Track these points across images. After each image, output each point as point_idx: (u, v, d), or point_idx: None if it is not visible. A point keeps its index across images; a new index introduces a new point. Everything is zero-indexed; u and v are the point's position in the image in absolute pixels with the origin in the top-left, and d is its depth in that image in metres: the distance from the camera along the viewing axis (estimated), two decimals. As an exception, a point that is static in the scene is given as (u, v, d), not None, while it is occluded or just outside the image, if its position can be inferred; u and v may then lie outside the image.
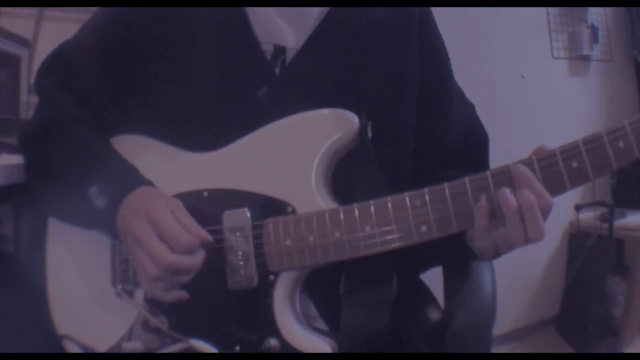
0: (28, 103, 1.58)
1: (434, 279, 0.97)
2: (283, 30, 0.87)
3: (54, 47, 0.94)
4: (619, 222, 2.21)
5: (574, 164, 0.72)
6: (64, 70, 0.90)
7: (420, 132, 0.90)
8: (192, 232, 0.75)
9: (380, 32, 0.89)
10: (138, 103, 0.87)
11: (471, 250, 0.79)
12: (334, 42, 0.87)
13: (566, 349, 2.35)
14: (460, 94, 0.98)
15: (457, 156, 0.94)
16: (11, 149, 1.20)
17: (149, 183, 0.82)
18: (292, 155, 0.81)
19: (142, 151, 0.86)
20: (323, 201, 0.79)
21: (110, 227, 0.80)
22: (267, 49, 0.86)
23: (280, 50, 0.87)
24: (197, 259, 0.75)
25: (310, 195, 0.79)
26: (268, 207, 0.79)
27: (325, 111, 0.81)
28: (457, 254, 0.83)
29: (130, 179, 0.81)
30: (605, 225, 2.11)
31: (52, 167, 0.85)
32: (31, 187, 0.90)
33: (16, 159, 1.01)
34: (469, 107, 0.98)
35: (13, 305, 0.89)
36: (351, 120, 0.80)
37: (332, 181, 0.82)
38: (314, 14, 0.88)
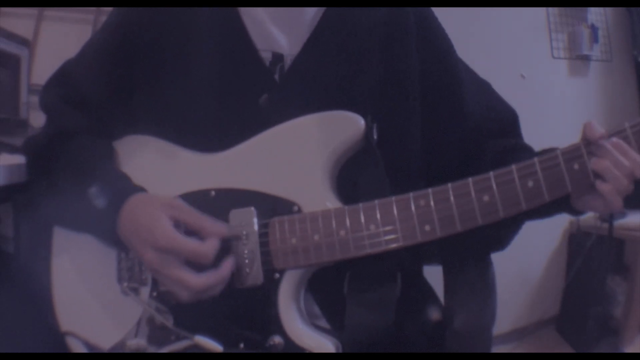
0: (28, 103, 1.57)
1: (434, 278, 0.97)
2: (279, 38, 0.87)
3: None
4: (619, 222, 2.20)
5: (575, 166, 0.74)
6: (66, 83, 0.91)
7: (436, 125, 0.90)
8: (207, 231, 0.76)
9: (375, 32, 0.89)
10: (142, 108, 0.88)
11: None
12: (330, 45, 0.88)
13: (566, 349, 2.35)
14: (472, 75, 0.97)
15: (484, 138, 0.93)
16: (11, 149, 1.20)
17: (140, 189, 0.82)
18: (298, 156, 0.81)
19: (149, 151, 0.87)
20: (329, 201, 0.79)
21: (108, 236, 0.81)
22: (266, 56, 0.87)
23: (278, 57, 0.87)
24: (224, 272, 0.76)
25: (316, 195, 0.79)
26: (274, 207, 0.79)
27: (332, 113, 0.82)
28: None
29: (120, 189, 0.81)
30: (605, 225, 2.10)
31: (53, 181, 0.85)
32: (33, 200, 0.90)
33: (16, 159, 1.01)
34: (485, 89, 0.98)
35: (13, 304, 0.89)
36: (357, 122, 0.81)
37: (338, 182, 0.83)
38: (307, 19, 0.88)
